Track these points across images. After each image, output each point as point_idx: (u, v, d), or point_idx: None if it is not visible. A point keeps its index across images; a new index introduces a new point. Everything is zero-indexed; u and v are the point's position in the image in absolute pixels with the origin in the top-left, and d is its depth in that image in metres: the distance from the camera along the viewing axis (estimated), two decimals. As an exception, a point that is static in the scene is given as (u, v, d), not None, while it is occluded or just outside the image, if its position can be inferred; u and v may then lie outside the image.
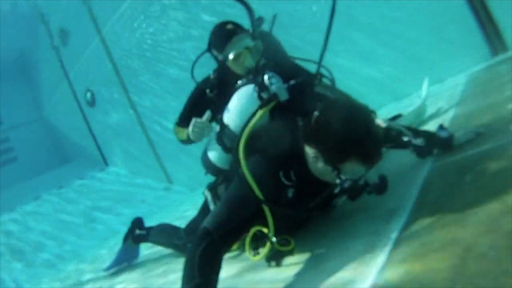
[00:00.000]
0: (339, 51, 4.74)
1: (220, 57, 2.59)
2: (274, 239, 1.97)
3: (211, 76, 2.72)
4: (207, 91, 2.71)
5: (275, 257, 1.99)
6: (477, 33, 4.08)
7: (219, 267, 1.80)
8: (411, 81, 4.54)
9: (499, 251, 1.24)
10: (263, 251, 1.99)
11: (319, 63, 2.25)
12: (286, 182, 2.00)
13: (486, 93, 3.20)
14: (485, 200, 1.59)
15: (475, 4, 4.04)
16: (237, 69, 2.57)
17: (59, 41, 10.10)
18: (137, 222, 3.58)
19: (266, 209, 1.94)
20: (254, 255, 2.08)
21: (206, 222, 1.91)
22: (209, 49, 2.68)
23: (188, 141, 2.71)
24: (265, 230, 1.98)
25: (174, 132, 2.87)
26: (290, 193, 2.02)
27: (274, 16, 2.53)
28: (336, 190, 1.91)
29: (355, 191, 1.85)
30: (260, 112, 2.08)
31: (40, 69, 12.26)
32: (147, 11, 7.27)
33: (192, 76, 2.82)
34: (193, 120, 2.54)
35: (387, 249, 1.63)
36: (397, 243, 1.64)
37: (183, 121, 2.79)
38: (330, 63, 2.45)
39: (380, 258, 1.59)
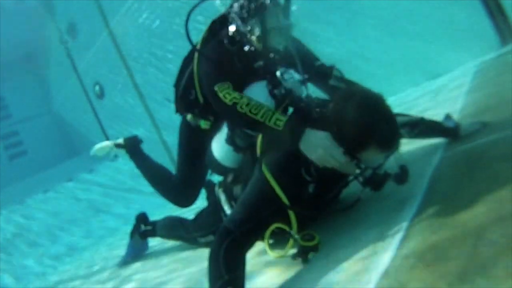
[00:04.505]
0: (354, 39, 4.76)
1: (255, 26, 2.22)
2: (297, 236, 1.94)
3: (226, 44, 2.34)
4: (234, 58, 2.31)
5: (300, 254, 1.93)
6: (487, 22, 4.06)
7: (244, 263, 1.82)
8: (420, 71, 4.54)
9: (510, 239, 1.26)
10: (286, 248, 1.96)
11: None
12: (308, 178, 1.99)
13: (495, 83, 3.19)
14: (495, 188, 1.61)
15: (485, -7, 4.02)
16: (261, 44, 2.23)
17: (68, 35, 10.12)
18: (142, 218, 3.53)
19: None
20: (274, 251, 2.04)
21: (226, 222, 1.92)
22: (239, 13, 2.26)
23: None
24: (284, 227, 1.94)
25: (232, 98, 2.13)
26: (311, 188, 2.01)
27: None
28: (360, 180, 1.91)
29: (378, 180, 1.86)
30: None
31: (49, 62, 12.27)
32: (155, 3, 7.27)
33: (188, 38, 2.44)
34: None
35: (398, 238, 1.65)
36: (408, 232, 1.66)
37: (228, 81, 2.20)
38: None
39: (391, 247, 1.61)
